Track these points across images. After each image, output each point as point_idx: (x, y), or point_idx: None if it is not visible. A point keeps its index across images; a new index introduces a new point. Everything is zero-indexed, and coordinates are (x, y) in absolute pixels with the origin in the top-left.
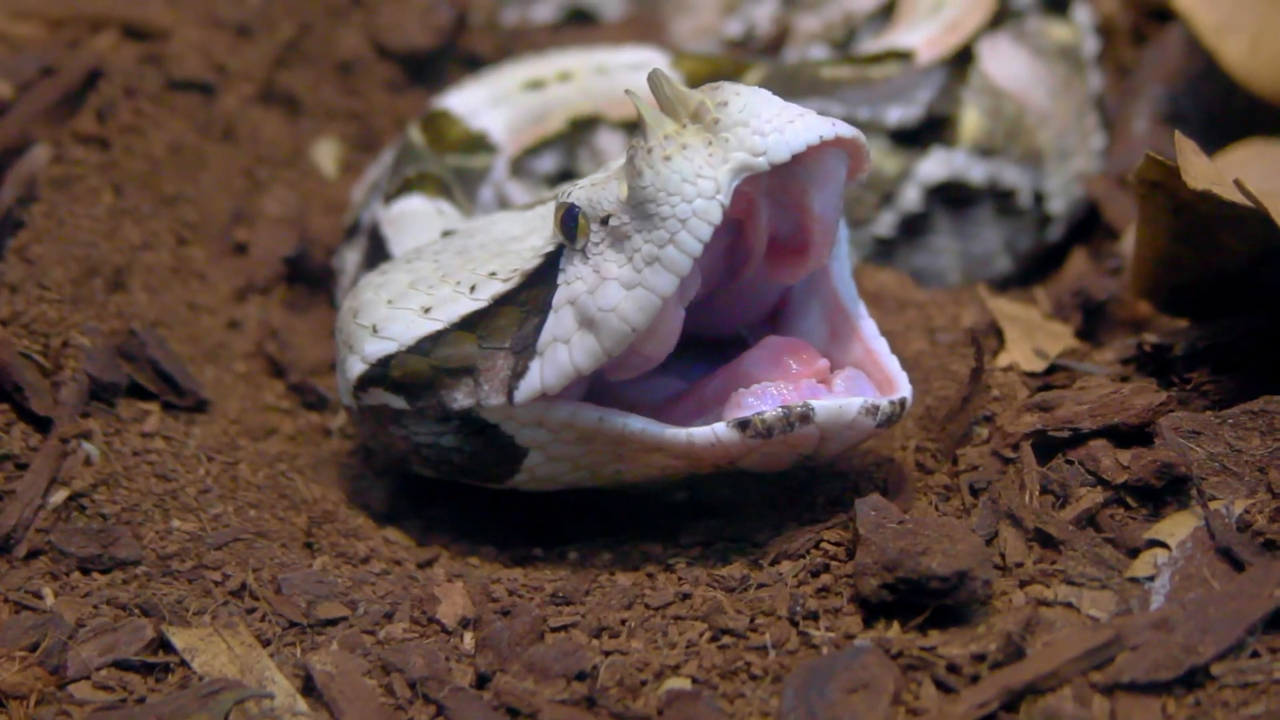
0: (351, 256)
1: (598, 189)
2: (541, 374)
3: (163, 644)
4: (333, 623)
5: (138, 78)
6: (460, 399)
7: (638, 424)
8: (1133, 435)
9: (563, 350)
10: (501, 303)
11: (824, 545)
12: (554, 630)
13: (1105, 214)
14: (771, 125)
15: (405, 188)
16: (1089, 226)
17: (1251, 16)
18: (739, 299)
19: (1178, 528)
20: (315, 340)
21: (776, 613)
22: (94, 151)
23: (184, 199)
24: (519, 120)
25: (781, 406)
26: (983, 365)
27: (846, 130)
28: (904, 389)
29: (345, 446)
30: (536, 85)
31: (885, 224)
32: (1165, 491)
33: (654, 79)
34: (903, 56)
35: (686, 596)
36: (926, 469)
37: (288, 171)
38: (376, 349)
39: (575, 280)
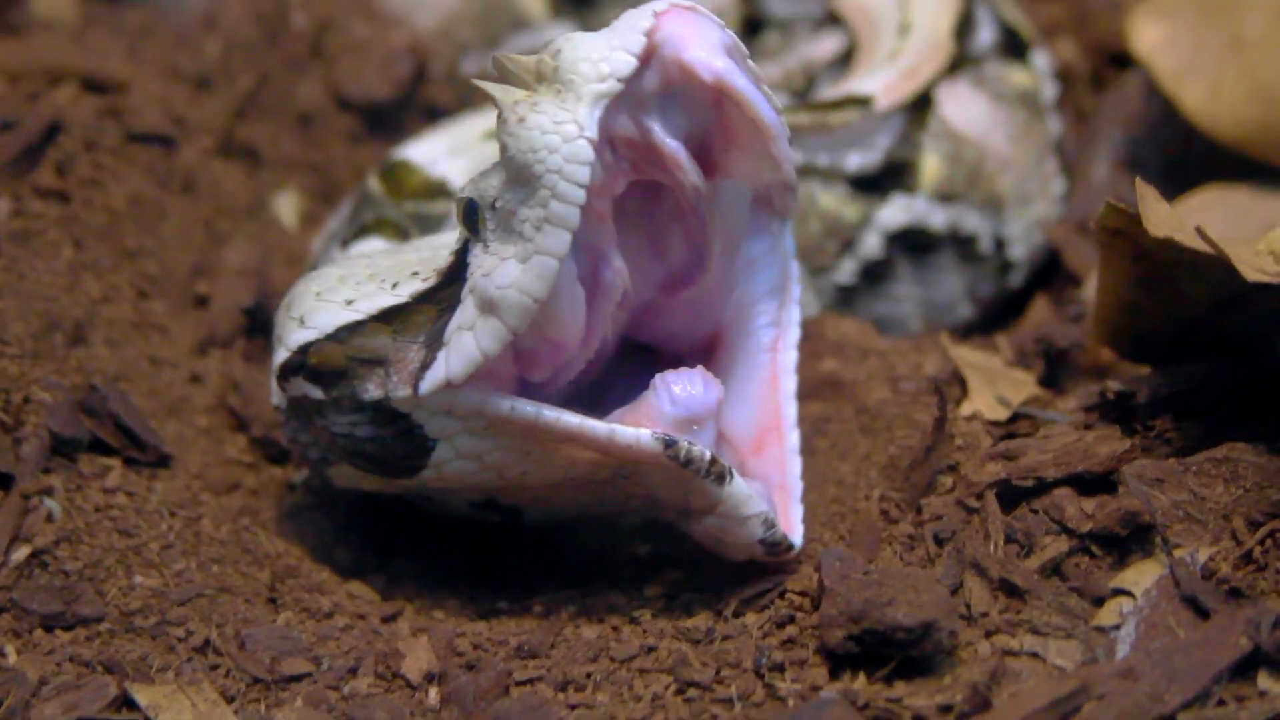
0: None
1: (484, 177)
2: (447, 363)
3: (126, 701)
4: (297, 679)
5: (97, 131)
6: (371, 389)
7: (551, 414)
8: (1097, 483)
9: (468, 337)
10: (420, 300)
11: (789, 596)
12: (519, 684)
13: (1066, 261)
14: (609, 46)
15: (362, 231)
16: (1050, 273)
17: (1210, 62)
18: (677, 315)
19: (1142, 576)
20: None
21: (742, 664)
22: (54, 205)
23: (144, 252)
24: (479, 169)
25: (711, 453)
26: (946, 414)
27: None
28: (798, 539)
29: (309, 500)
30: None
31: (846, 271)
32: (1130, 540)
33: (495, 61)
34: (861, 103)
35: (652, 649)
36: (891, 518)
37: (248, 223)
38: (299, 338)
39: (478, 271)
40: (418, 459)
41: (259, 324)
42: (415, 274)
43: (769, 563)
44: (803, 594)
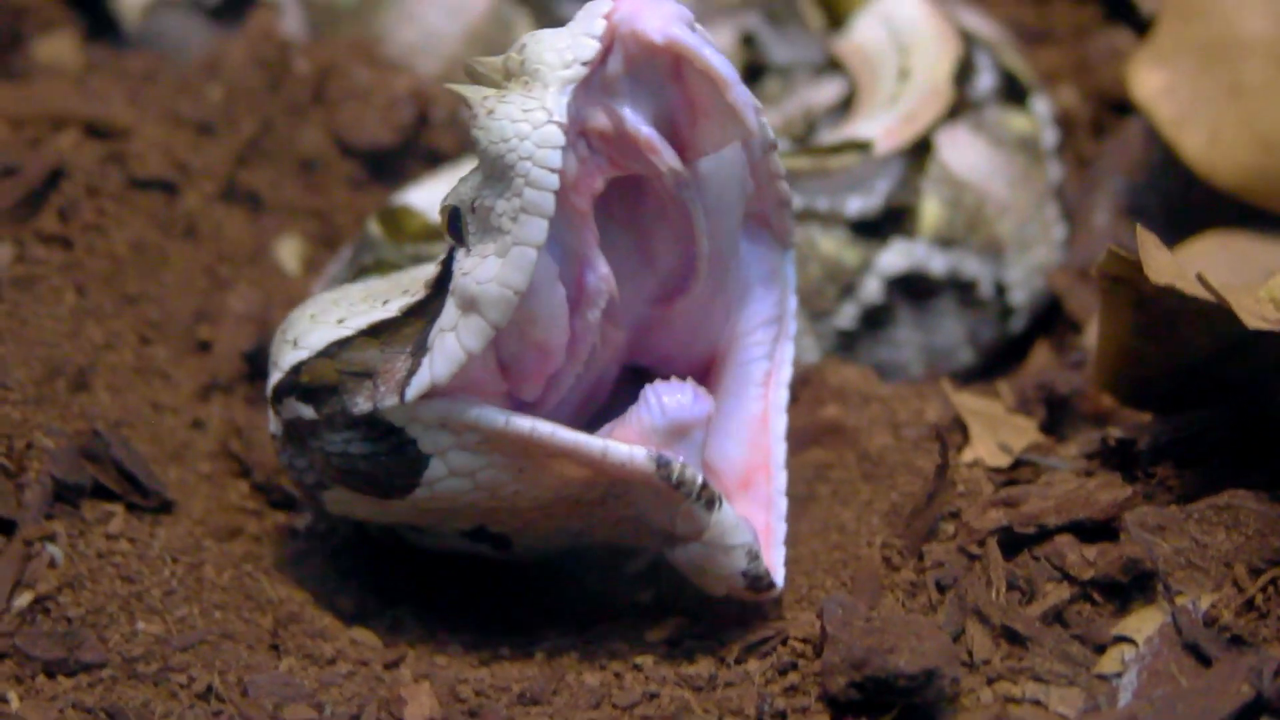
0: None
1: (463, 182)
2: (432, 367)
3: None
4: None
5: (100, 176)
6: (361, 402)
7: (547, 428)
8: (1098, 530)
9: (450, 337)
10: (409, 313)
11: (791, 643)
12: None
13: (1067, 307)
14: (571, 35)
15: (362, 273)
16: (1051, 319)
17: (1210, 109)
18: (674, 331)
19: (1144, 623)
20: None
21: (745, 712)
22: (56, 251)
23: (147, 298)
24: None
25: (703, 478)
26: (947, 461)
27: None
28: (779, 580)
29: (312, 546)
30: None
31: (847, 316)
32: (1131, 587)
33: (466, 66)
34: (860, 147)
35: (654, 696)
36: (893, 565)
37: (250, 269)
38: (292, 358)
39: (459, 272)
40: (411, 476)
41: (260, 369)
42: (406, 291)
43: (749, 600)
44: (805, 641)
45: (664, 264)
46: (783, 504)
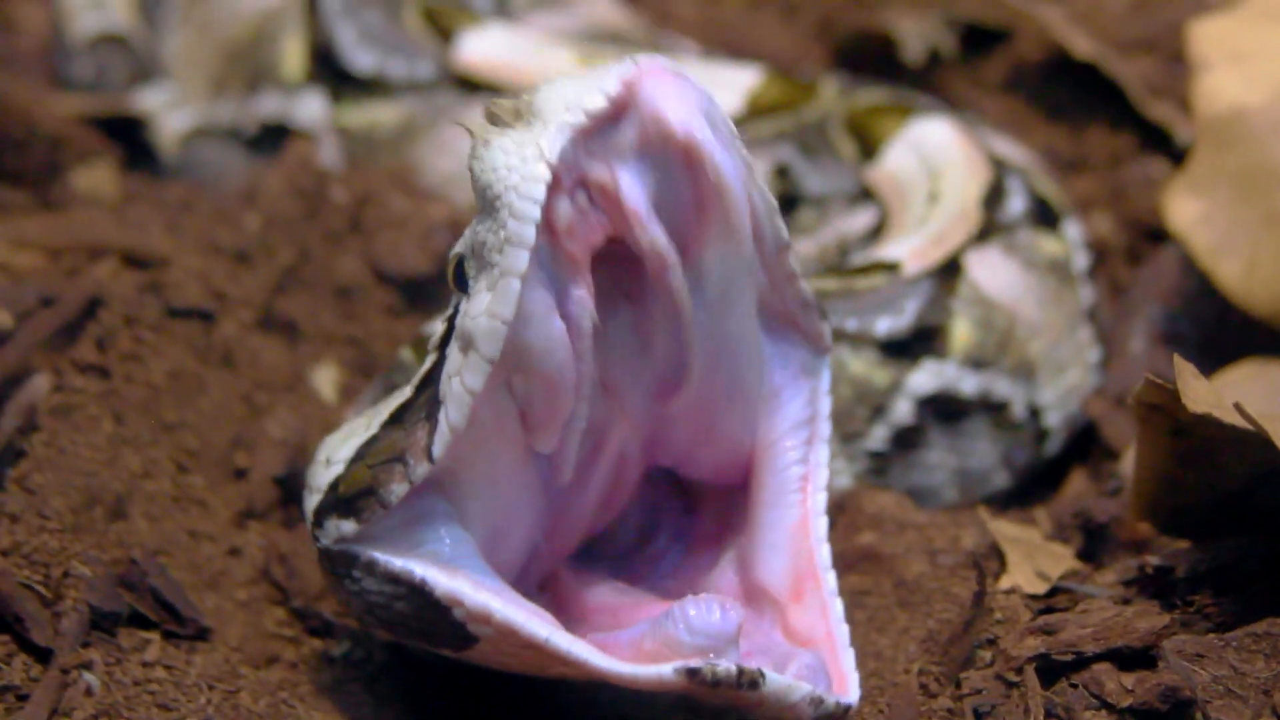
0: None
1: (469, 229)
2: (447, 417)
3: None
4: None
5: (137, 305)
6: (396, 488)
7: (582, 651)
8: (1136, 658)
9: (456, 381)
10: (423, 385)
11: None
12: None
13: (1104, 434)
14: (584, 86)
15: (391, 391)
16: (1087, 446)
17: (1246, 238)
18: (685, 428)
19: None
20: (316, 563)
21: None
22: (94, 380)
23: (184, 426)
24: None
25: (737, 665)
26: (984, 589)
27: (655, 63)
28: (853, 693)
29: (348, 674)
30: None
31: (878, 438)
32: (1170, 715)
33: (486, 108)
34: (889, 268)
35: None
36: (930, 693)
37: (287, 396)
38: (327, 476)
39: (460, 316)
40: (460, 645)
41: (290, 492)
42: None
43: None
44: None
45: (659, 353)
46: (838, 606)
